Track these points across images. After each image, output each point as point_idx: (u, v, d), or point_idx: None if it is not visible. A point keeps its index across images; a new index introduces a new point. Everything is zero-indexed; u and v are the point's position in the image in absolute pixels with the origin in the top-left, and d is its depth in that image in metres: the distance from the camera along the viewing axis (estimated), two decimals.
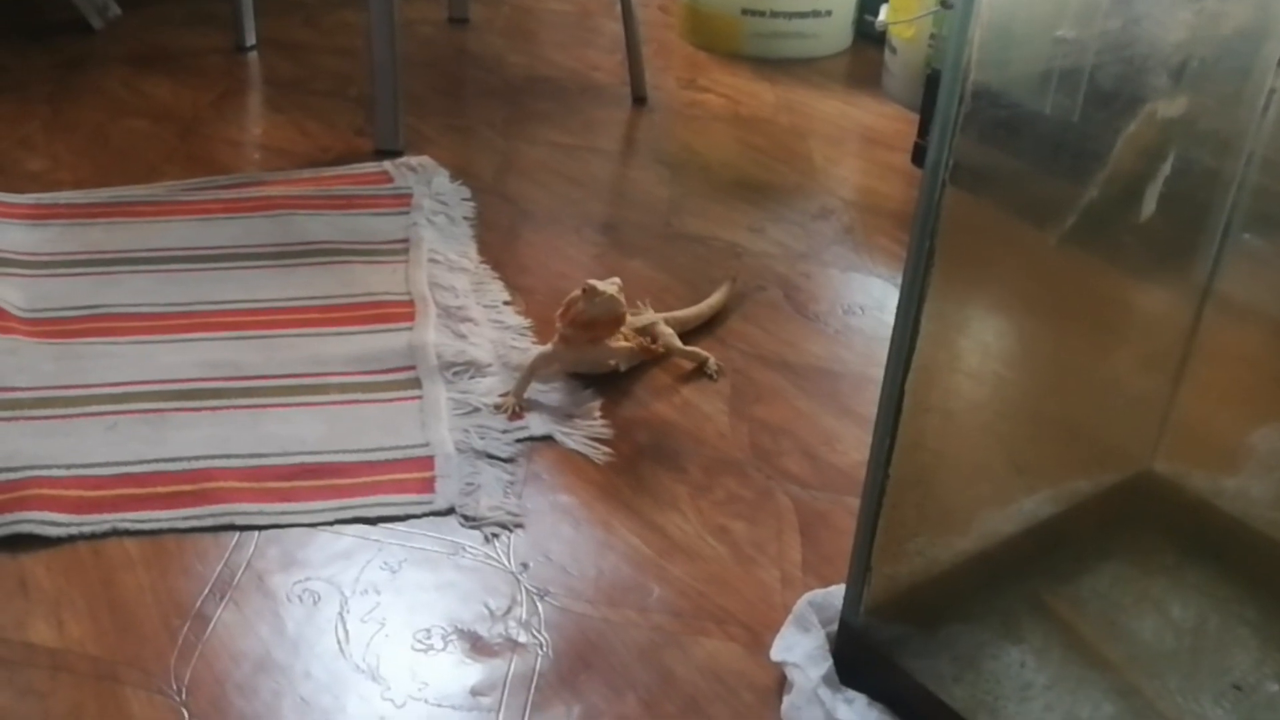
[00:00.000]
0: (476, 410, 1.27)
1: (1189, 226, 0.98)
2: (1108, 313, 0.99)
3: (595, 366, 1.32)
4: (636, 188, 1.83)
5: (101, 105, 2.01)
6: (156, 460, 1.17)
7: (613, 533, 1.13)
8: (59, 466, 1.15)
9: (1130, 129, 0.88)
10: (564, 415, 1.28)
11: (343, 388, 1.30)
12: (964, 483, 0.96)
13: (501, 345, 1.38)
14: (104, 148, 1.86)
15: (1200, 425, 1.05)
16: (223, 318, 1.41)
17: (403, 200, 1.71)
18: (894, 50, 2.18)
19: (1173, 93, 0.89)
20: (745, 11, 2.35)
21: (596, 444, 1.24)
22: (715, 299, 1.48)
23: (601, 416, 1.28)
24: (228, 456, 1.18)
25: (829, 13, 2.37)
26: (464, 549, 1.10)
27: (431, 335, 1.38)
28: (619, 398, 1.32)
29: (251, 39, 2.31)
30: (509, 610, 1.04)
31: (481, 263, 1.58)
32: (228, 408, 1.25)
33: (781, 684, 0.96)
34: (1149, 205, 0.91)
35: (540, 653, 1.00)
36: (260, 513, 1.12)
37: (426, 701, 0.95)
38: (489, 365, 1.34)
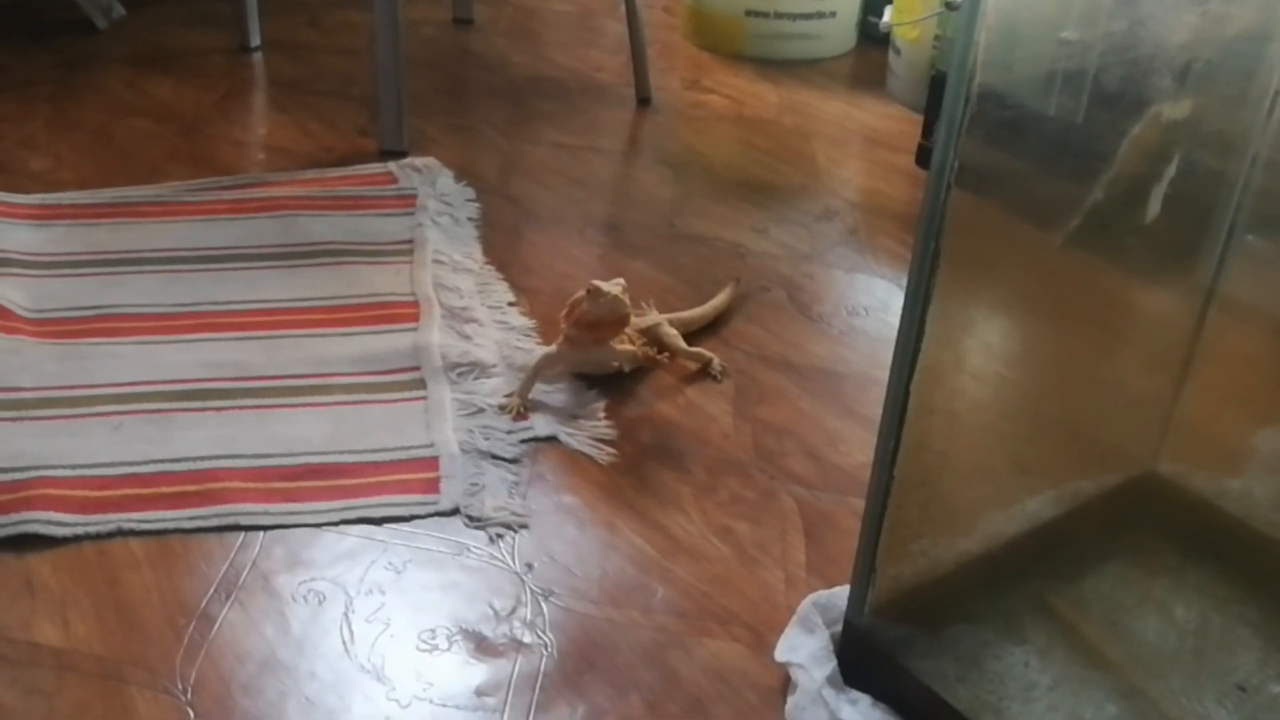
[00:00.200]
0: (481, 411, 1.27)
1: (1193, 228, 0.98)
2: (1112, 314, 0.99)
3: (599, 367, 1.33)
4: (640, 188, 1.83)
5: (105, 105, 2.01)
6: (161, 460, 1.18)
7: (617, 533, 1.13)
8: (64, 466, 1.16)
9: (1135, 131, 0.88)
10: (568, 416, 1.28)
11: (347, 388, 1.30)
12: (968, 483, 0.96)
13: (506, 346, 1.38)
14: (107, 148, 1.86)
15: (1203, 426, 1.05)
16: (227, 318, 1.42)
17: (407, 201, 1.71)
18: (898, 52, 2.19)
19: (1177, 95, 0.89)
20: (749, 13, 2.35)
21: (601, 445, 1.24)
22: (719, 300, 1.48)
23: (606, 417, 1.28)
24: (233, 457, 1.19)
25: (833, 14, 2.37)
26: (469, 549, 1.10)
27: (436, 336, 1.39)
28: (623, 398, 1.32)
29: (255, 39, 2.31)
30: (514, 611, 1.04)
31: (486, 263, 1.58)
32: (233, 408, 1.26)
33: (785, 684, 0.96)
34: (1153, 207, 0.91)
35: (545, 653, 1.00)
36: (265, 513, 1.12)
37: (431, 702, 0.95)
38: (493, 366, 1.34)
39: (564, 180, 1.83)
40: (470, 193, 1.76)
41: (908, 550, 0.92)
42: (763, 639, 1.01)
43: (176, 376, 1.30)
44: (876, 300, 1.54)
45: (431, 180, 1.77)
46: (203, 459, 1.18)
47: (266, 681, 0.96)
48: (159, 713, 0.93)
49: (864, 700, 0.90)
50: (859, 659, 0.93)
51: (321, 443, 1.21)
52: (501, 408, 1.28)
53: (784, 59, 2.38)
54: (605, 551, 1.11)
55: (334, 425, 1.24)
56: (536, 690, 0.96)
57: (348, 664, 0.98)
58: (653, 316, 1.40)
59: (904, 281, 0.82)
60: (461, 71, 2.27)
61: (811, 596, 0.99)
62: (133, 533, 1.10)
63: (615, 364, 1.32)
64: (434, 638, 1.01)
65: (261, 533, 1.11)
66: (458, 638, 1.01)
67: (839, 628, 0.95)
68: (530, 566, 1.09)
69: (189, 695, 0.94)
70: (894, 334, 0.83)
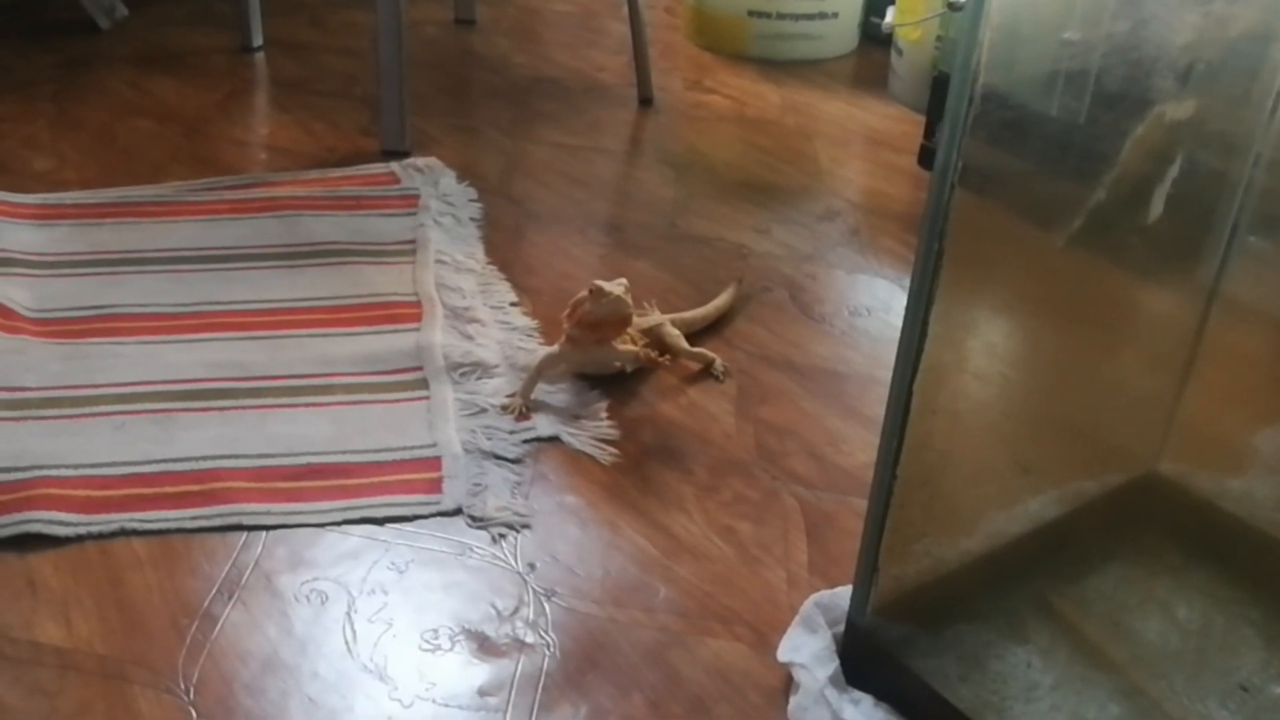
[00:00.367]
0: (483, 411, 1.27)
1: (1196, 228, 0.98)
2: (1114, 314, 0.99)
3: (602, 367, 1.33)
4: (642, 189, 1.83)
5: (107, 105, 2.02)
6: (164, 460, 1.18)
7: (619, 533, 1.13)
8: (67, 466, 1.16)
9: (1138, 131, 0.88)
10: (571, 416, 1.28)
11: (350, 388, 1.30)
12: (970, 483, 0.96)
13: (508, 346, 1.38)
14: (110, 148, 1.86)
15: (1206, 427, 1.05)
16: (230, 318, 1.42)
17: (409, 201, 1.71)
18: (900, 52, 2.19)
19: (1180, 95, 0.90)
20: (751, 13, 2.35)
21: (603, 445, 1.24)
22: (721, 300, 1.48)
23: (608, 417, 1.28)
24: (235, 456, 1.19)
25: (835, 15, 2.37)
26: (471, 549, 1.10)
27: (438, 336, 1.39)
28: (625, 398, 1.32)
29: (257, 39, 2.31)
30: (516, 610, 1.04)
31: (488, 263, 1.58)
32: (235, 408, 1.26)
33: (788, 684, 0.96)
34: (1156, 207, 0.91)
35: (547, 653, 1.00)
36: (268, 513, 1.13)
37: (434, 701, 0.95)
38: (496, 366, 1.35)
39: (566, 180, 1.83)
40: (472, 193, 1.76)
41: (910, 550, 0.93)
42: (765, 639, 1.01)
43: (179, 376, 1.30)
44: (878, 301, 1.54)
45: (434, 180, 1.77)
46: (205, 459, 1.18)
47: (269, 681, 0.96)
48: (161, 712, 0.93)
49: (866, 700, 0.90)
50: (861, 659, 0.93)
51: (324, 443, 1.21)
52: (504, 408, 1.28)
53: (786, 59, 2.38)
54: (607, 551, 1.11)
55: (336, 425, 1.24)
56: (539, 690, 0.96)
57: (350, 664, 0.98)
58: (655, 317, 1.40)
59: (905, 282, 0.82)
60: (464, 72, 2.27)
61: (814, 596, 0.99)
62: (135, 532, 1.10)
63: (617, 364, 1.32)
64: (436, 638, 1.01)
65: (264, 532, 1.11)
66: (460, 638, 1.01)
67: (841, 628, 0.95)
68: (533, 566, 1.09)
69: (191, 695, 0.94)
70: (896, 334, 0.83)
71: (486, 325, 1.43)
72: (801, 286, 1.57)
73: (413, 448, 1.21)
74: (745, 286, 1.54)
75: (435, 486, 1.17)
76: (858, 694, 0.91)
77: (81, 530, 1.09)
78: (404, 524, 1.13)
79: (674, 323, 1.40)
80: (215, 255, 1.55)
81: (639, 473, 1.21)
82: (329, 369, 1.33)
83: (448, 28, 2.49)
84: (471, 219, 1.69)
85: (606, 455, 1.23)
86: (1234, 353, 1.02)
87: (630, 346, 1.32)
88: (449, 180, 1.78)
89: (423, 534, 1.12)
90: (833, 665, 0.92)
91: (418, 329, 1.40)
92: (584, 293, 1.27)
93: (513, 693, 0.96)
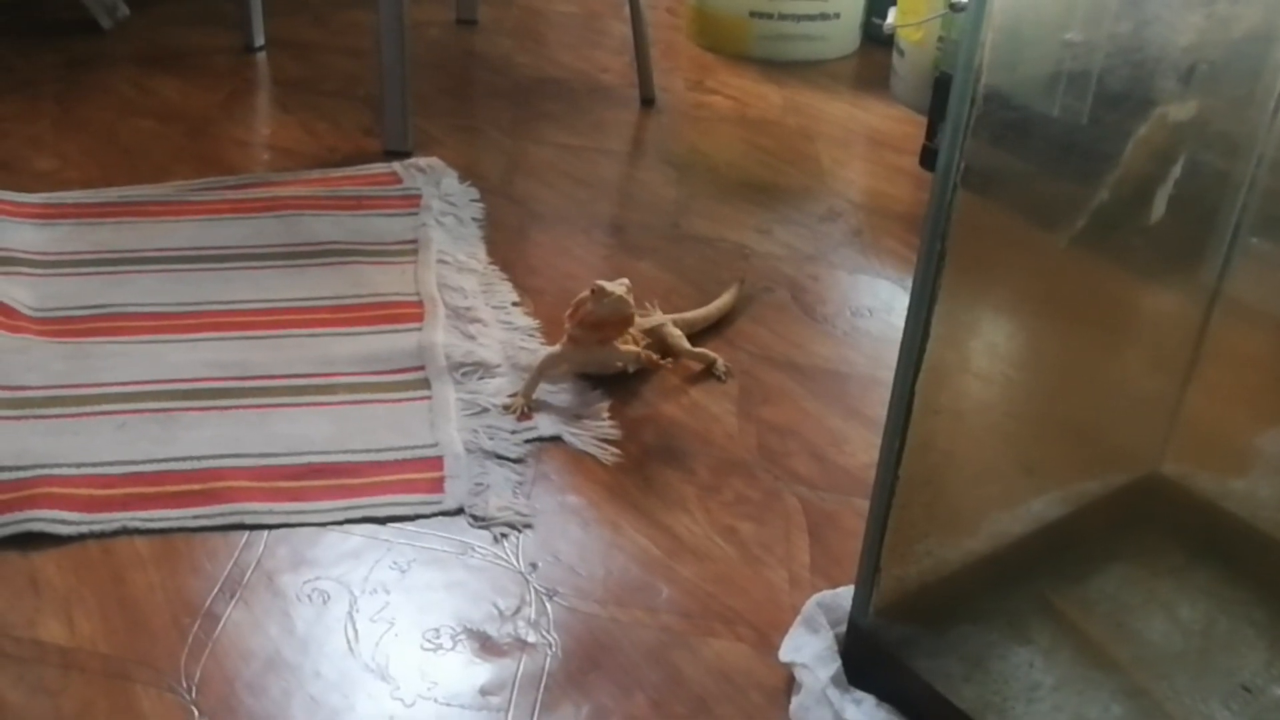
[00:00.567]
0: (485, 411, 1.27)
1: (1198, 229, 0.98)
2: (1117, 315, 0.99)
3: (604, 367, 1.33)
4: (644, 189, 1.83)
5: (110, 105, 2.02)
6: (166, 459, 1.18)
7: (621, 533, 1.13)
8: (69, 465, 1.16)
9: (1141, 132, 0.88)
10: (572, 416, 1.28)
11: (351, 388, 1.30)
12: (973, 484, 0.96)
13: (510, 346, 1.38)
14: (112, 147, 1.86)
15: (1209, 427, 1.05)
16: (231, 317, 1.42)
17: (411, 201, 1.71)
18: (902, 53, 2.19)
19: (1183, 96, 0.90)
20: (753, 14, 2.35)
21: (605, 445, 1.24)
22: (723, 300, 1.48)
23: (610, 417, 1.28)
24: (237, 456, 1.19)
25: (837, 15, 2.37)
26: (473, 549, 1.10)
27: (440, 336, 1.39)
28: (627, 398, 1.32)
29: (260, 39, 2.31)
30: (518, 610, 1.04)
31: (490, 264, 1.58)
32: (237, 407, 1.26)
33: (790, 684, 0.96)
34: (1159, 208, 0.91)
35: (549, 652, 1.00)
36: (270, 512, 1.13)
37: (435, 701, 0.95)
38: (498, 366, 1.35)
39: (568, 181, 1.83)
40: (474, 193, 1.76)
41: (912, 550, 0.93)
42: (767, 639, 1.01)
43: (181, 375, 1.30)
44: (880, 301, 1.54)
45: (436, 180, 1.77)
46: (207, 458, 1.18)
47: (271, 680, 0.96)
48: (164, 711, 0.93)
49: (868, 700, 0.90)
50: (863, 659, 0.93)
51: (326, 442, 1.21)
52: (506, 408, 1.28)
53: (788, 60, 2.38)
54: (609, 551, 1.11)
55: (338, 425, 1.24)
56: (541, 690, 0.96)
57: (352, 663, 0.98)
58: (657, 317, 1.40)
59: (907, 282, 0.82)
60: (466, 72, 2.27)
61: (816, 596, 0.99)
62: (137, 531, 1.10)
63: (619, 364, 1.32)
64: (438, 637, 1.01)
65: (266, 532, 1.11)
66: (462, 637, 1.01)
67: (843, 628, 0.95)
68: (534, 566, 1.09)
69: (194, 694, 0.94)
70: (898, 335, 0.83)
71: (488, 325, 1.43)
72: (803, 287, 1.57)
73: (414, 447, 1.21)
74: (747, 287, 1.54)
75: (437, 486, 1.17)
76: (860, 694, 0.91)
77: (84, 529, 1.09)
78: (406, 523, 1.13)
79: (676, 323, 1.40)
80: (217, 255, 1.55)
81: (641, 473, 1.21)
82: (331, 368, 1.33)
83: (450, 28, 2.49)
84: (473, 219, 1.69)
85: (608, 455, 1.23)
86: (1237, 353, 1.02)
87: (632, 347, 1.32)
88: (451, 180, 1.78)
89: (425, 533, 1.12)
90: (835, 665, 0.92)
91: (419, 329, 1.41)
92: (586, 293, 1.27)
93: (514, 692, 0.96)
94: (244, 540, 1.10)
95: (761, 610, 1.05)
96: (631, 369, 1.34)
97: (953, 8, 1.93)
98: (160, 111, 2.00)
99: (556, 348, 1.32)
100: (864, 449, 1.26)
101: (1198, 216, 0.97)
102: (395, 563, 1.08)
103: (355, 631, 1.01)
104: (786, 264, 1.62)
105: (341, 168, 1.82)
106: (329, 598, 1.04)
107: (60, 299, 1.44)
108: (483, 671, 0.98)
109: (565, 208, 1.75)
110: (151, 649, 0.98)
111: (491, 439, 1.23)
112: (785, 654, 0.97)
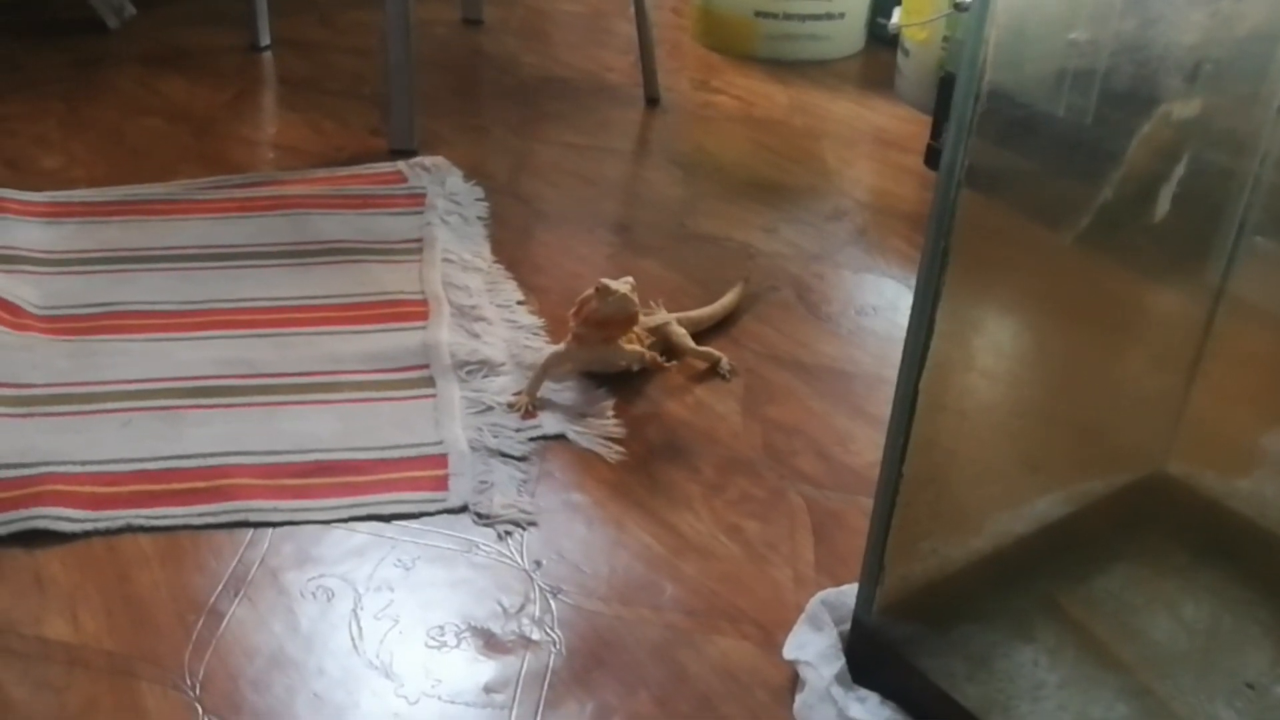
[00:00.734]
0: (490, 409, 1.27)
1: (1203, 227, 0.98)
2: (1121, 313, 0.99)
3: (608, 366, 1.33)
4: (650, 188, 1.83)
5: (116, 104, 2.02)
6: (171, 457, 1.18)
7: (625, 531, 1.13)
8: (74, 463, 1.16)
9: (1145, 130, 0.88)
10: (577, 414, 1.28)
11: (357, 386, 1.31)
12: (977, 482, 0.96)
13: (515, 344, 1.39)
14: (119, 146, 1.86)
15: (1213, 426, 1.05)
16: (237, 315, 1.42)
17: (417, 200, 1.71)
18: (907, 53, 2.18)
19: (1187, 94, 0.89)
20: (758, 13, 2.35)
21: (609, 443, 1.24)
22: (728, 299, 1.48)
23: (614, 415, 1.28)
24: (242, 454, 1.19)
25: (842, 15, 2.37)
26: (477, 547, 1.11)
27: (445, 334, 1.39)
28: (632, 397, 1.32)
29: (266, 38, 2.31)
30: (522, 608, 1.04)
31: (495, 262, 1.58)
32: (242, 405, 1.26)
33: (794, 682, 0.96)
34: (1163, 206, 0.91)
35: (553, 650, 1.00)
36: (274, 509, 1.13)
37: (440, 698, 0.95)
38: (502, 364, 1.35)
39: (573, 180, 1.83)
40: (479, 192, 1.76)
41: (917, 549, 0.93)
42: (771, 637, 1.01)
43: (186, 373, 1.30)
44: (885, 300, 1.54)
45: (441, 179, 1.77)
46: (212, 455, 1.18)
47: (275, 678, 0.96)
48: (168, 708, 0.93)
49: (872, 698, 0.90)
50: (867, 657, 0.93)
51: (331, 440, 1.22)
52: (510, 406, 1.28)
53: (793, 60, 2.38)
54: (614, 549, 1.11)
55: (343, 422, 1.24)
56: (545, 687, 0.96)
57: (356, 660, 0.98)
58: (661, 315, 1.40)
59: (913, 281, 0.82)
60: (472, 71, 2.27)
61: (820, 595, 0.99)
62: (142, 529, 1.10)
63: (623, 363, 1.32)
64: (442, 634, 1.01)
65: (270, 529, 1.11)
66: (466, 634, 1.01)
67: (847, 626, 0.95)
68: (539, 564, 1.09)
69: (197, 691, 0.95)
70: (903, 333, 0.83)
71: (493, 323, 1.43)
72: (809, 286, 1.57)
73: (419, 445, 1.22)
74: (752, 286, 1.54)
75: (442, 484, 1.17)
76: (864, 692, 0.91)
77: (88, 526, 1.10)
78: (410, 521, 1.13)
79: (681, 321, 1.40)
80: (223, 253, 1.55)
81: (645, 471, 1.21)
82: (336, 366, 1.33)
83: (456, 27, 2.50)
84: (479, 218, 1.69)
85: (613, 453, 1.23)
86: (1241, 352, 1.02)
87: (636, 347, 1.32)
88: (456, 179, 1.78)
89: (429, 531, 1.12)
90: (839, 663, 0.92)
91: (424, 327, 1.41)
92: (590, 291, 1.27)
93: (518, 690, 0.96)
94: (249, 538, 1.10)
95: (766, 608, 1.05)
96: (636, 367, 1.34)
97: (957, 7, 1.92)
98: (166, 110, 2.01)
99: (561, 346, 1.32)
100: (869, 448, 1.26)
101: (1202, 215, 0.97)
102: (400, 560, 1.08)
103: (359, 629, 1.01)
104: (792, 263, 1.62)
105: (347, 166, 1.82)
106: (333, 595, 1.04)
107: (66, 297, 1.44)
108: (487, 669, 0.98)
109: (570, 207, 1.75)
110: (156, 646, 0.99)
111: (496, 437, 1.23)
112: (789, 652, 0.97)
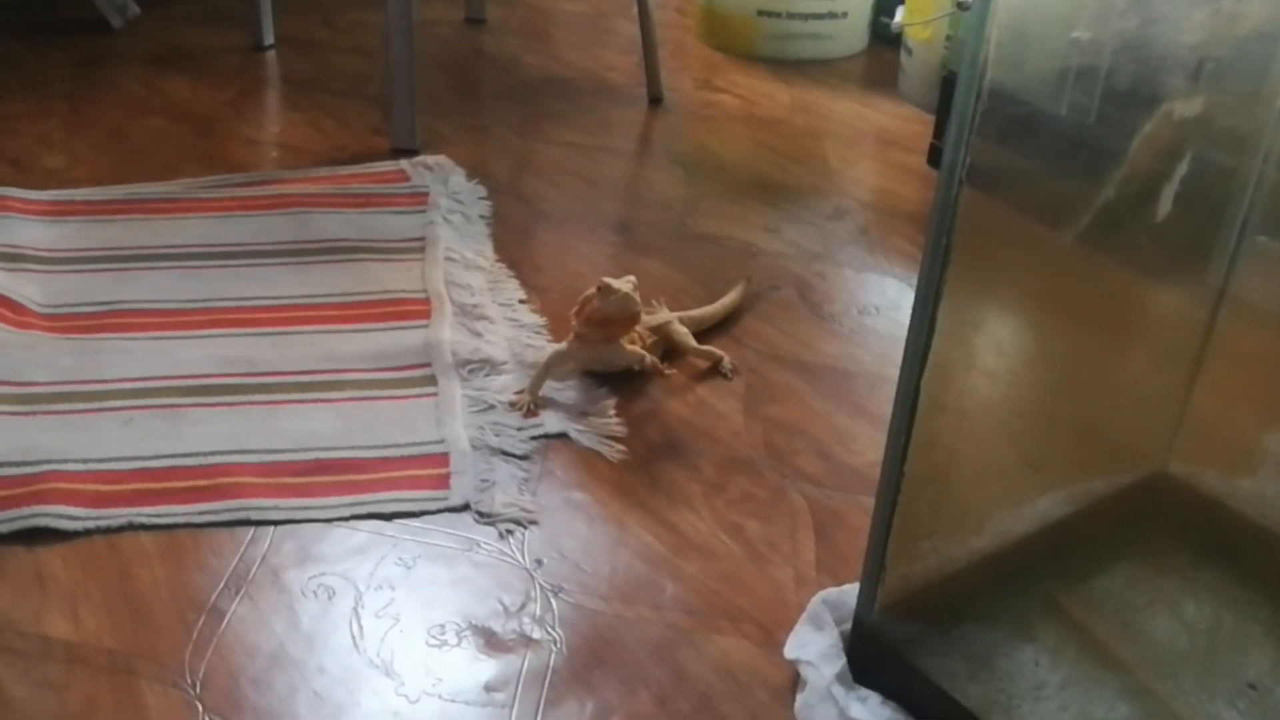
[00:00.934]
0: (491, 407, 1.27)
1: (1205, 227, 0.98)
2: (1123, 313, 0.99)
3: (610, 365, 1.33)
4: (652, 188, 1.83)
5: (120, 103, 2.02)
6: (172, 455, 1.18)
7: (626, 530, 1.13)
8: (75, 461, 1.16)
9: (1147, 129, 0.88)
10: (578, 413, 1.28)
11: (359, 384, 1.31)
12: (978, 482, 0.96)
13: (517, 343, 1.39)
14: (122, 145, 1.87)
15: (1215, 426, 1.05)
16: (239, 314, 1.42)
17: (419, 199, 1.71)
18: (909, 52, 2.18)
19: (1189, 93, 0.89)
20: (761, 13, 2.35)
21: (611, 442, 1.24)
22: (730, 298, 1.48)
23: (616, 414, 1.28)
24: (243, 452, 1.19)
25: (844, 14, 2.37)
26: (478, 545, 1.10)
27: (447, 333, 1.39)
28: (633, 396, 1.32)
29: (269, 38, 2.32)
30: (523, 606, 1.04)
31: (497, 261, 1.58)
32: (244, 403, 1.26)
33: (795, 682, 0.96)
34: (1165, 205, 0.91)
35: (554, 649, 1.00)
36: (275, 508, 1.13)
37: (440, 697, 0.95)
38: (504, 363, 1.35)
39: (575, 179, 1.83)
40: (482, 191, 1.76)
41: (918, 548, 0.92)
42: (772, 636, 1.01)
43: (188, 372, 1.30)
44: (887, 299, 1.54)
45: (443, 178, 1.77)
46: (213, 454, 1.18)
47: (275, 676, 0.96)
48: (168, 706, 0.93)
49: (873, 698, 0.90)
50: (868, 657, 0.93)
51: (332, 438, 1.22)
52: (512, 404, 1.28)
53: (795, 59, 2.38)
54: (615, 548, 1.11)
55: (345, 421, 1.24)
56: (545, 686, 0.96)
57: (357, 659, 0.98)
58: (663, 314, 1.40)
59: (914, 280, 0.82)
60: (474, 71, 2.27)
61: (821, 594, 0.99)
62: (143, 527, 1.10)
63: (625, 362, 1.32)
64: (443, 633, 1.01)
65: (272, 528, 1.11)
66: (467, 633, 1.01)
67: (848, 625, 0.95)
68: (540, 562, 1.09)
69: (198, 689, 0.95)
70: (905, 333, 0.83)
71: (495, 322, 1.43)
72: (810, 285, 1.57)
73: (421, 444, 1.22)
74: (754, 285, 1.54)
75: (443, 482, 1.17)
76: (865, 691, 0.91)
77: (90, 524, 1.10)
78: (411, 519, 1.13)
79: (683, 320, 1.40)
80: (225, 252, 1.55)
81: (647, 470, 1.21)
82: (338, 365, 1.33)
83: (458, 27, 2.50)
84: (481, 217, 1.69)
85: (614, 452, 1.23)
86: (1243, 352, 1.02)
87: (638, 349, 1.32)
88: (458, 178, 1.78)
89: (430, 530, 1.12)
90: (840, 663, 0.92)
91: (426, 326, 1.41)
92: (592, 290, 1.27)
93: (519, 688, 0.96)
94: (250, 536, 1.10)
95: (767, 608, 1.05)
96: (637, 366, 1.33)
97: (960, 6, 1.92)
98: (169, 110, 2.01)
99: (563, 345, 1.32)
100: (870, 447, 1.26)
101: (1204, 214, 0.97)
102: (400, 559, 1.08)
103: (360, 627, 1.01)
104: (794, 262, 1.62)
105: (350, 166, 1.82)
106: (334, 593, 1.04)
107: (69, 296, 1.44)
108: (487, 668, 0.98)
109: (572, 206, 1.75)
110: (156, 644, 0.99)
111: (497, 436, 1.23)
112: (790, 651, 0.96)
